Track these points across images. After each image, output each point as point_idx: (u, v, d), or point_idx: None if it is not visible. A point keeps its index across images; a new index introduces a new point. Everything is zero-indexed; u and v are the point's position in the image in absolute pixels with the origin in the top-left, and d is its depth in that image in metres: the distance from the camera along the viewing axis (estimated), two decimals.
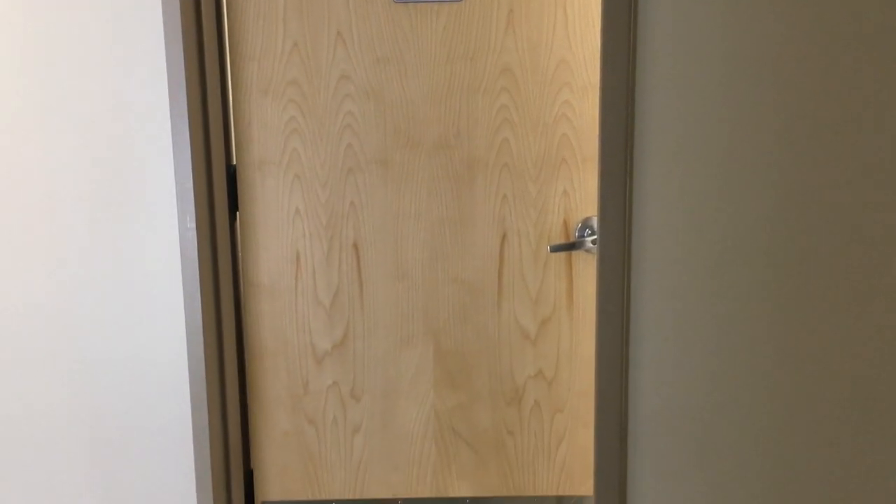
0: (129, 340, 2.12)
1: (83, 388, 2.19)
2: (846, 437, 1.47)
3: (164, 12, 1.90)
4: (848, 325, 1.26)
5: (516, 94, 2.01)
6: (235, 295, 2.21)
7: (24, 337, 2.24)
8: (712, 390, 1.67)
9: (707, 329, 1.64)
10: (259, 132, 2.04)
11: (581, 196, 2.04)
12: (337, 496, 2.19)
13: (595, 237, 2.00)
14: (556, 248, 2.01)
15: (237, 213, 2.10)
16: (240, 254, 2.11)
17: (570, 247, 2.03)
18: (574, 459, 2.16)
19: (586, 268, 2.07)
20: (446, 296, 2.10)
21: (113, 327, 2.13)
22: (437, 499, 2.19)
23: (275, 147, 2.04)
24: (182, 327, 2.06)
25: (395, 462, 2.17)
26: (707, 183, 1.59)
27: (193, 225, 2.00)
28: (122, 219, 2.07)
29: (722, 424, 1.69)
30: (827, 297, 1.31)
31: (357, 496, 2.19)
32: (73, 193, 2.12)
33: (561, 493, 2.18)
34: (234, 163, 2.07)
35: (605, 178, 1.68)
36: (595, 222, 2.02)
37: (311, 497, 2.19)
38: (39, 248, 2.18)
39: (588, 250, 2.05)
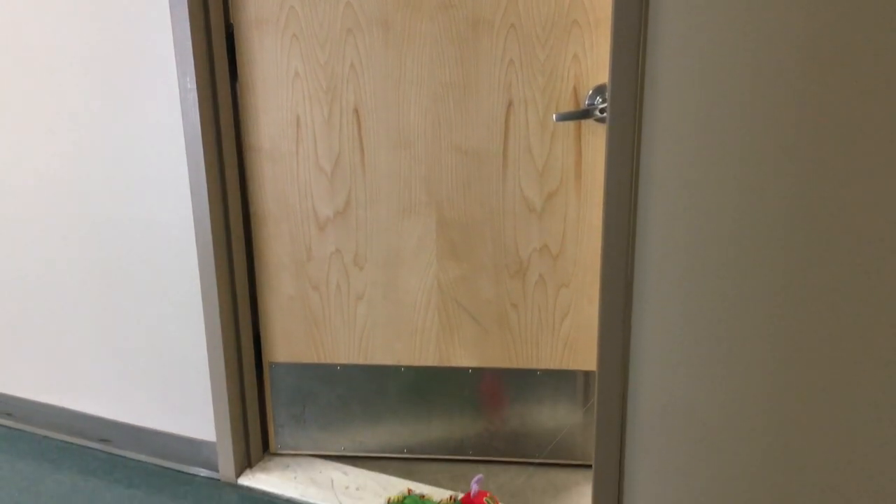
0: (136, 203, 2.14)
1: (92, 249, 2.24)
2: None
3: None
4: None
5: None
6: (240, 159, 2.19)
7: (34, 201, 2.28)
8: (724, 260, 1.60)
9: (720, 198, 1.55)
10: None
11: (592, 61, 1.91)
12: (342, 360, 2.22)
13: (605, 105, 1.89)
14: (562, 117, 1.91)
15: (238, 78, 2.04)
16: (240, 117, 2.07)
17: (579, 115, 1.92)
18: (578, 334, 2.13)
19: (595, 139, 1.97)
20: (450, 165, 2.03)
21: (119, 190, 2.15)
22: (439, 367, 2.20)
23: (272, 3, 1.95)
24: (187, 190, 2.06)
25: (398, 330, 2.18)
26: (727, 47, 1.47)
27: (194, 86, 1.96)
28: (123, 81, 2.05)
29: (730, 293, 1.63)
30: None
31: (361, 361, 2.22)
32: (72, 57, 2.10)
33: (564, 367, 2.16)
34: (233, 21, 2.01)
35: (618, 43, 1.56)
36: (606, 89, 1.89)
37: (316, 360, 2.23)
38: (40, 113, 2.19)
39: (598, 119, 1.94)
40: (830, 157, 1.43)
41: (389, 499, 1.94)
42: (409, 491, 1.98)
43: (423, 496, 1.97)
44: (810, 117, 1.43)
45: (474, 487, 1.99)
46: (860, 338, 1.50)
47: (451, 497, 1.99)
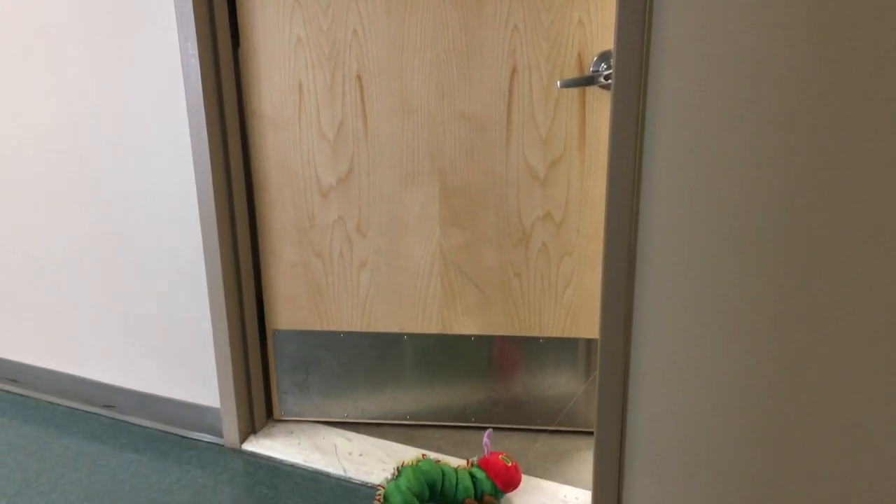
0: (138, 170, 2.13)
1: (96, 216, 2.24)
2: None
3: None
4: None
5: None
6: (242, 126, 2.18)
7: (36, 169, 2.28)
8: (730, 227, 1.60)
9: (727, 165, 1.54)
10: None
11: (598, 27, 1.89)
12: (345, 328, 2.23)
13: (610, 72, 1.87)
14: (567, 84, 1.89)
15: (240, 44, 2.03)
16: (242, 83, 2.06)
17: (584, 82, 1.91)
18: (581, 302, 2.13)
19: (600, 105, 1.96)
20: (453, 132, 2.02)
21: (120, 157, 2.14)
22: (442, 335, 2.21)
23: None
24: (190, 157, 2.06)
25: (401, 298, 2.18)
26: (733, 11, 1.45)
27: (195, 52, 1.95)
28: (124, 48, 2.03)
29: (730, 263, 1.63)
30: None
31: (364, 329, 2.22)
32: (72, 24, 2.08)
33: (566, 335, 2.17)
34: None
35: (624, 8, 1.55)
36: (611, 56, 1.88)
37: (319, 328, 2.24)
38: (39, 81, 2.17)
39: (602, 86, 1.92)
40: (839, 119, 1.42)
41: (403, 462, 1.95)
42: (423, 456, 2.00)
43: (437, 461, 1.99)
44: (818, 77, 1.42)
45: (488, 444, 2.01)
46: (867, 312, 1.51)
47: (468, 461, 2.01)
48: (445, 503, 1.96)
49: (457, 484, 1.96)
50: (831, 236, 1.49)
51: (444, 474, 1.96)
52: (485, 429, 2.31)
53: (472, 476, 1.98)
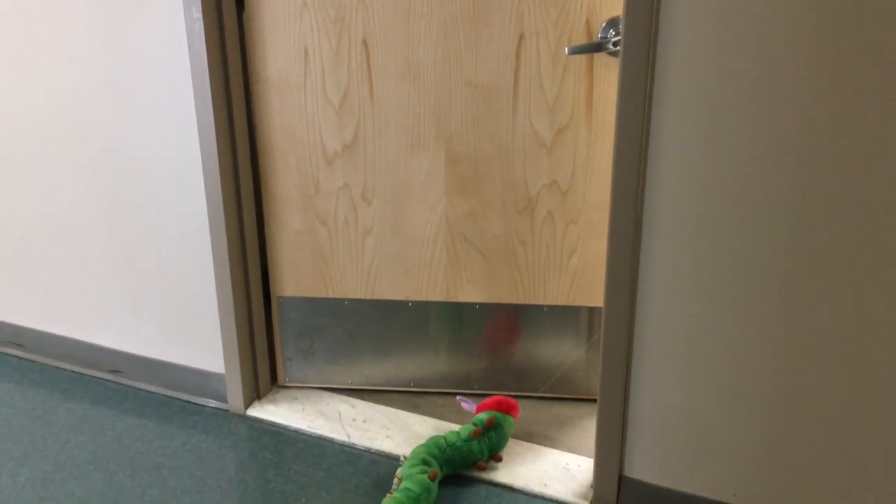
0: (142, 136, 2.12)
1: (100, 182, 2.23)
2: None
3: None
4: None
5: None
6: (247, 92, 2.17)
7: (41, 134, 2.27)
8: (738, 197, 1.59)
9: (736, 136, 1.53)
10: None
11: None
12: (349, 295, 2.23)
13: (619, 38, 1.86)
14: (575, 50, 1.87)
15: (244, 7, 2.01)
16: (247, 48, 2.04)
17: (592, 48, 1.89)
18: (586, 271, 2.13)
19: (608, 73, 1.94)
20: (459, 99, 2.01)
21: (124, 123, 2.13)
22: (447, 303, 2.21)
23: None
24: (194, 123, 2.05)
25: (406, 265, 2.18)
26: None
27: (200, 15, 1.93)
28: (127, 11, 2.02)
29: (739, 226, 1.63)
30: None
31: (369, 296, 2.23)
32: None
33: (571, 303, 2.17)
34: None
35: None
36: (620, 22, 1.86)
37: (324, 295, 2.24)
38: (42, 46, 2.16)
39: (611, 53, 1.91)
40: (850, 80, 1.41)
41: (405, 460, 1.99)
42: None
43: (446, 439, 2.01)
44: (830, 39, 1.40)
45: (466, 402, 2.10)
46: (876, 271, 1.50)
47: (474, 430, 2.02)
48: (463, 464, 2.00)
49: (467, 450, 1.99)
50: (845, 205, 1.48)
51: (447, 444, 1.98)
52: (489, 395, 2.32)
53: (488, 438, 2.02)
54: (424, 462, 1.92)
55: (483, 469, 2.01)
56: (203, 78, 1.96)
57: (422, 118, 2.03)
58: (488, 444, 2.02)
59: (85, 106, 2.16)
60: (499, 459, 2.05)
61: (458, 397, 2.14)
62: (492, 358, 2.26)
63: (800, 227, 1.52)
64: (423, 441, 2.13)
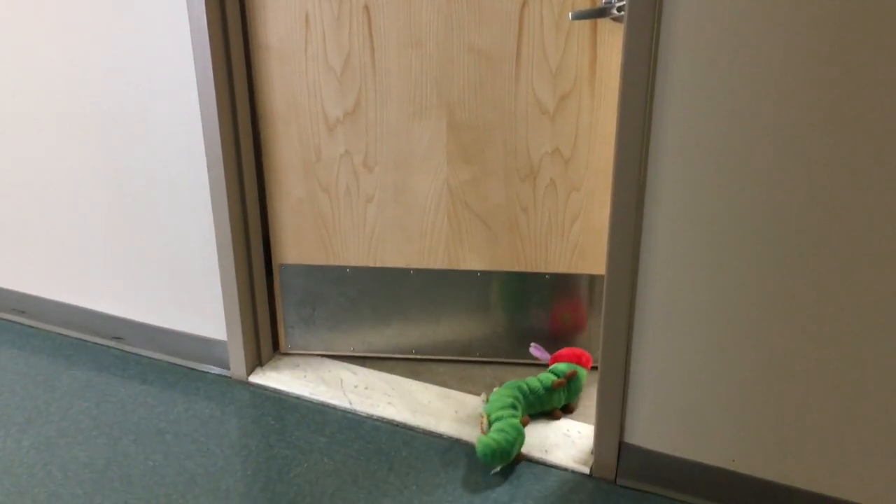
0: (143, 102, 2.11)
1: (103, 149, 2.22)
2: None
3: None
4: None
5: None
6: (247, 58, 2.15)
7: (40, 101, 2.26)
8: (739, 169, 1.58)
9: (741, 101, 1.52)
10: None
11: None
12: (351, 263, 2.23)
13: (623, 3, 1.84)
14: (579, 15, 1.85)
15: None
16: (247, 13, 2.02)
17: (596, 13, 1.87)
18: (588, 238, 2.13)
19: (612, 38, 1.92)
20: (461, 66, 1.99)
21: (123, 89, 2.12)
22: (448, 270, 2.21)
23: None
24: (195, 89, 2.03)
25: (407, 233, 2.18)
26: None
27: None
28: None
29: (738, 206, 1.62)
30: None
31: (370, 264, 2.23)
32: None
33: (572, 271, 2.17)
34: None
35: None
36: None
37: (325, 262, 2.24)
38: (41, 11, 2.14)
39: (615, 18, 1.88)
40: (859, 38, 1.40)
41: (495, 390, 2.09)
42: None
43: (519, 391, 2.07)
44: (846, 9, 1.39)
45: (539, 350, 2.17)
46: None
47: (556, 380, 2.08)
48: (542, 411, 2.10)
49: (547, 399, 2.08)
50: (851, 165, 1.47)
51: (530, 391, 2.06)
52: (490, 363, 2.33)
53: (566, 388, 2.10)
54: (513, 406, 1.99)
55: (559, 418, 2.10)
56: (203, 44, 1.95)
57: (424, 85, 2.02)
58: (566, 394, 2.10)
59: (85, 71, 2.14)
60: (571, 410, 2.13)
61: (532, 344, 2.18)
62: (493, 325, 2.27)
63: (805, 192, 1.51)
64: (428, 406, 2.14)
